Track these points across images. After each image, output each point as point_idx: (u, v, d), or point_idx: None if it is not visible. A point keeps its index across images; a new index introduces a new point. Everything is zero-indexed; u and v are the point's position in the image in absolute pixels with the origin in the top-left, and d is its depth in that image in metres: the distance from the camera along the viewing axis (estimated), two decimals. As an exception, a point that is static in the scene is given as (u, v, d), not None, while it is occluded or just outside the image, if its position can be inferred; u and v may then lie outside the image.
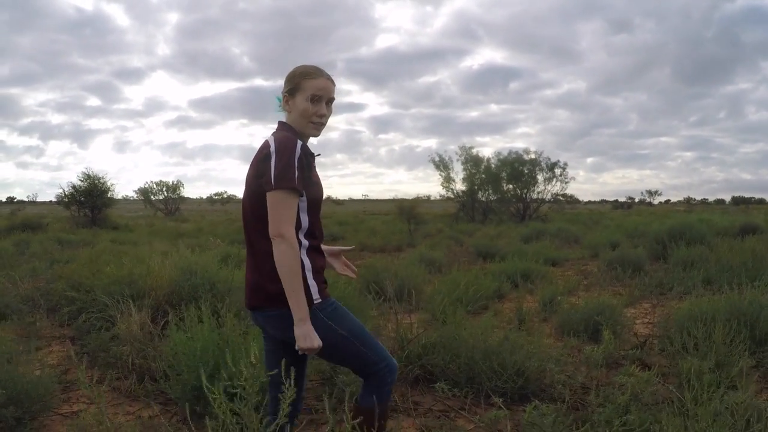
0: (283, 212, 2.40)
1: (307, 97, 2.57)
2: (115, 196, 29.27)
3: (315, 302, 2.52)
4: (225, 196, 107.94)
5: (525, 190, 32.59)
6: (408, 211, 23.53)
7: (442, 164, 33.09)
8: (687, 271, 10.34)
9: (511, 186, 32.90)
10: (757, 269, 9.74)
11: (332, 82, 2.67)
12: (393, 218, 28.58)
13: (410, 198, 26.74)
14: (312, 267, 2.56)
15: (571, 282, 10.30)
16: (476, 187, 32.38)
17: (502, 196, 32.97)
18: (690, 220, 15.62)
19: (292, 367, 2.27)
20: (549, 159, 32.36)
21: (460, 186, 32.90)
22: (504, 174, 32.49)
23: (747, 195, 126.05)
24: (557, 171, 32.41)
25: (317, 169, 2.66)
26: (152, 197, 47.71)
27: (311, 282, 2.53)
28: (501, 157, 32.85)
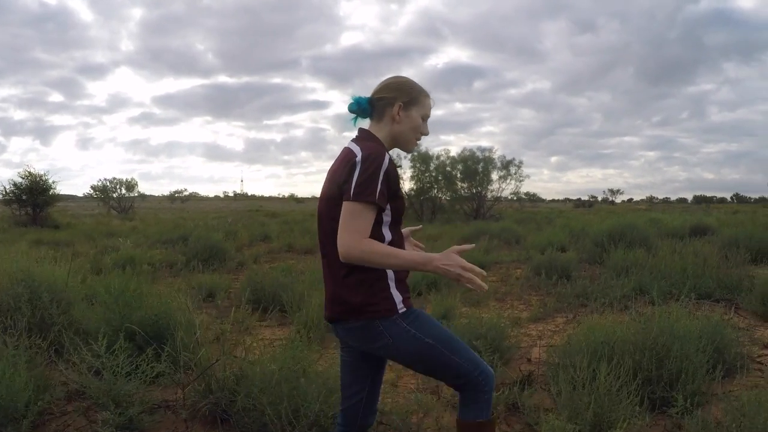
0: (355, 223, 2.35)
1: (423, 114, 2.65)
2: (57, 194, 28.74)
3: (399, 311, 2.51)
4: (185, 194, 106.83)
5: (479, 189, 31.40)
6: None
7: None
8: (619, 278, 8.97)
9: (465, 184, 31.67)
10: (697, 277, 8.42)
11: None
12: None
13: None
14: (395, 277, 2.55)
15: (487, 291, 8.82)
16: (426, 186, 31.06)
17: (455, 195, 31.82)
18: (632, 220, 14.27)
19: (368, 378, 2.68)
20: (504, 157, 31.42)
21: (408, 185, 31.47)
22: (457, 172, 31.36)
23: (709, 194, 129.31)
24: (512, 169, 31.37)
25: None
26: (112, 195, 46.20)
27: (395, 292, 2.53)
28: (450, 154, 31.75)
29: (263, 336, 6.67)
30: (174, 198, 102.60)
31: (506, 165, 31.51)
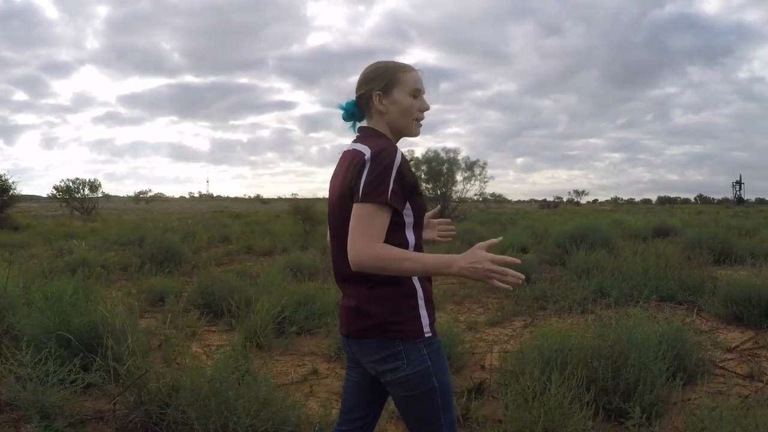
0: (365, 227, 2.12)
1: (409, 91, 2.38)
2: (18, 194, 27.75)
3: (425, 335, 2.25)
4: (149, 195, 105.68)
5: (444, 190, 31.17)
6: (303, 211, 21.57)
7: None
8: (580, 280, 8.75)
9: (430, 185, 31.42)
10: (659, 279, 8.22)
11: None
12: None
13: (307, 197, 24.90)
14: (424, 294, 2.29)
15: (444, 294, 8.58)
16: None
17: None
18: (594, 222, 14.10)
19: (371, 405, 2.46)
20: (468, 158, 31.24)
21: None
22: (422, 173, 31.10)
23: (672, 195, 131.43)
24: (476, 170, 31.18)
25: None
26: (76, 195, 45.26)
27: (423, 312, 2.26)
28: (415, 155, 31.54)
29: (209, 342, 6.34)
30: (139, 199, 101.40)
31: (470, 166, 31.29)
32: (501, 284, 2.08)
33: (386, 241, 2.15)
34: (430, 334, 2.27)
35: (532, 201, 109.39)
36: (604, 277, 8.78)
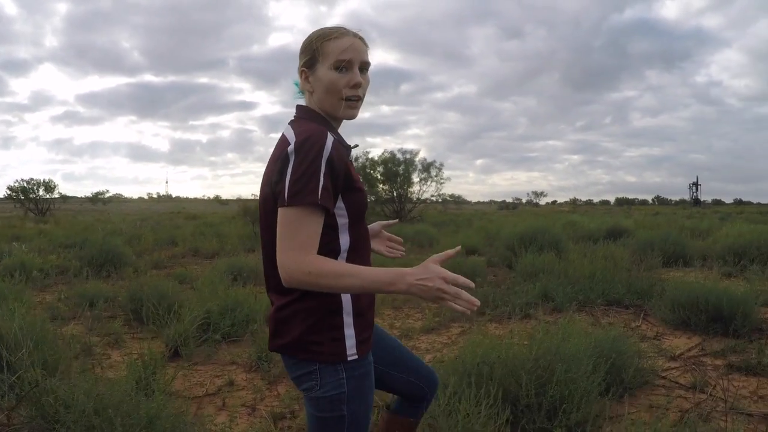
0: (292, 235, 1.77)
1: (331, 64, 1.93)
2: None
3: (349, 358, 1.93)
4: (107, 195, 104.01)
5: (400, 191, 30.89)
6: (253, 212, 21.06)
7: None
8: (525, 284, 8.41)
9: (386, 187, 31.12)
10: (606, 282, 7.90)
11: (363, 42, 2.00)
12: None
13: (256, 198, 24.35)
14: (354, 309, 1.95)
15: (384, 299, 8.17)
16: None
17: (377, 197, 31.23)
18: (545, 223, 13.81)
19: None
20: (425, 159, 31.00)
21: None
22: (378, 174, 30.79)
23: (630, 196, 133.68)
24: (433, 171, 30.96)
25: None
26: (31, 196, 44.43)
27: (348, 331, 1.94)
28: (370, 156, 31.23)
29: (131, 350, 5.89)
30: (96, 200, 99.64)
31: (427, 167, 31.05)
32: (455, 306, 1.75)
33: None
34: (355, 357, 1.97)
35: (492, 202, 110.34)
36: (549, 280, 8.43)
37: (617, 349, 4.46)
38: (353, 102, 2.01)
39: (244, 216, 22.04)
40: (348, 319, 1.95)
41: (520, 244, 11.39)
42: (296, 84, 2.13)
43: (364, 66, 2.03)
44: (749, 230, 12.54)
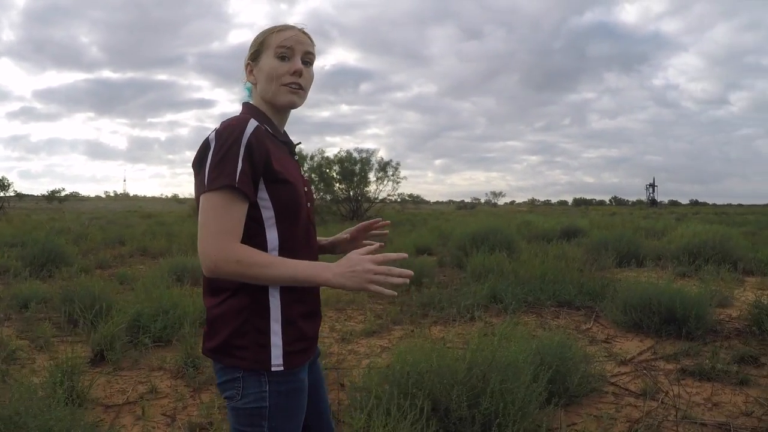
0: (212, 221, 1.68)
1: (274, 52, 1.90)
2: None
3: (273, 368, 1.77)
4: (63, 194, 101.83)
5: (357, 190, 30.55)
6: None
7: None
8: (474, 285, 8.09)
9: (343, 186, 30.77)
10: (558, 282, 7.60)
11: (308, 37, 1.96)
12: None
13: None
14: (282, 316, 1.80)
15: (327, 300, 7.79)
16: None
17: (333, 196, 30.86)
18: (497, 223, 13.55)
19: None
20: (382, 158, 30.69)
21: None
22: (333, 173, 30.42)
23: (588, 197, 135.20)
24: (389, 170, 30.66)
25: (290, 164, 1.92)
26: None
27: (275, 339, 1.78)
28: (325, 155, 30.86)
29: (58, 354, 5.45)
30: (52, 198, 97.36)
31: (383, 166, 30.74)
32: (384, 290, 1.66)
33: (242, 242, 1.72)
34: (280, 369, 1.81)
35: (451, 202, 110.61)
36: (498, 281, 8.11)
37: (561, 355, 4.11)
38: (294, 88, 1.93)
39: (194, 215, 21.29)
40: (276, 326, 1.81)
41: (471, 244, 11.09)
42: (247, 88, 2.07)
43: (308, 58, 1.98)
44: (704, 230, 12.39)
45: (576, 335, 6.36)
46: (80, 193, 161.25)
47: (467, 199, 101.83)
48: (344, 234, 2.27)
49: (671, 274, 10.42)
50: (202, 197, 1.72)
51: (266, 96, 1.94)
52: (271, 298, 1.81)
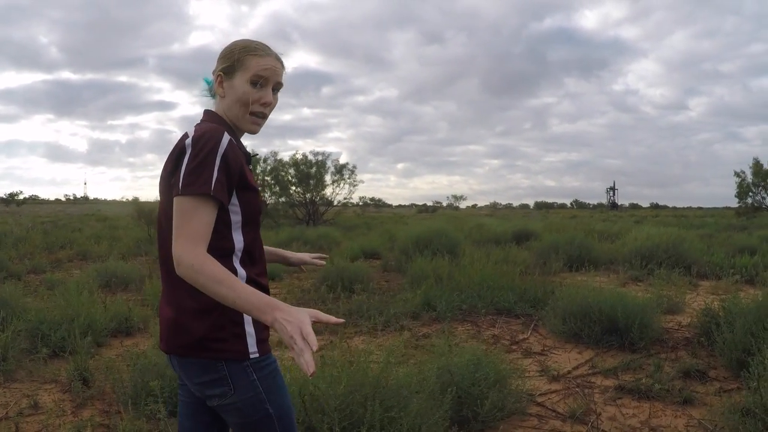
0: (186, 225, 1.77)
1: (249, 77, 1.99)
2: None
3: (250, 356, 1.86)
4: (21, 197, 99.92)
5: (313, 193, 29.89)
6: (147, 214, 19.77)
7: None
8: (407, 292, 7.48)
9: (299, 189, 30.09)
10: (496, 288, 7.03)
11: (282, 64, 2.08)
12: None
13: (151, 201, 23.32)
14: None
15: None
16: (256, 189, 29.37)
17: (289, 200, 30.15)
18: (442, 226, 12.96)
19: (211, 427, 2.05)
20: (338, 161, 30.11)
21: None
22: (289, 176, 29.72)
23: (550, 200, 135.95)
24: (346, 173, 30.02)
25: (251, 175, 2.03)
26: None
27: (248, 329, 1.88)
28: (278, 157, 30.18)
29: None
30: (9, 201, 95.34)
31: (340, 169, 30.07)
32: (296, 357, 1.56)
33: (210, 243, 1.79)
34: (257, 355, 1.88)
35: (413, 205, 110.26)
36: (433, 287, 7.53)
37: (472, 376, 3.52)
38: (258, 118, 2.04)
39: (138, 218, 20.66)
40: (247, 317, 1.87)
41: (414, 248, 10.51)
42: (207, 81, 2.13)
43: (277, 87, 2.07)
44: (657, 233, 11.91)
45: (508, 347, 5.80)
46: (40, 196, 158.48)
47: (429, 203, 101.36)
48: (293, 258, 2.48)
49: (622, 278, 9.96)
50: (176, 199, 1.79)
51: (230, 115, 2.01)
52: None
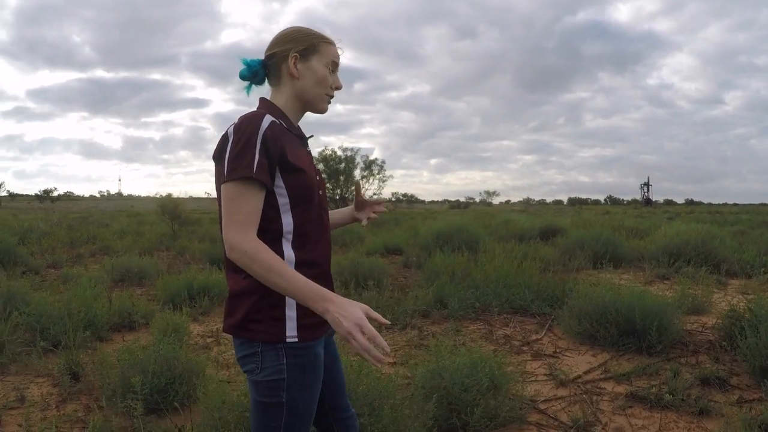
0: (234, 211, 1.81)
1: (327, 62, 2.10)
2: None
3: (287, 340, 1.86)
4: (55, 193, 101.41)
5: (342, 188, 29.81)
6: (171, 210, 19.74)
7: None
8: (421, 288, 7.25)
9: (329, 185, 29.97)
10: (512, 286, 6.76)
11: None
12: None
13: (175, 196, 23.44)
14: None
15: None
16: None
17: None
18: (464, 221, 12.66)
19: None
20: (367, 156, 29.99)
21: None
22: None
23: (583, 196, 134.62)
24: (374, 169, 29.85)
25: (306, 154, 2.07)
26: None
27: (290, 312, 1.88)
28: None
29: None
30: (44, 197, 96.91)
31: (369, 164, 29.92)
32: (361, 352, 1.66)
33: (259, 226, 1.85)
34: (295, 340, 1.87)
35: (445, 201, 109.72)
36: (446, 284, 7.26)
37: (462, 382, 3.25)
38: (329, 99, 2.13)
39: (162, 214, 20.67)
40: (290, 300, 1.87)
41: (435, 244, 10.24)
42: (248, 62, 2.11)
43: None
44: (686, 230, 11.48)
45: (519, 347, 5.53)
46: (74, 192, 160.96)
47: (462, 199, 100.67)
48: (349, 207, 2.55)
49: (648, 276, 9.59)
50: (223, 186, 1.84)
51: (307, 94, 2.07)
52: None
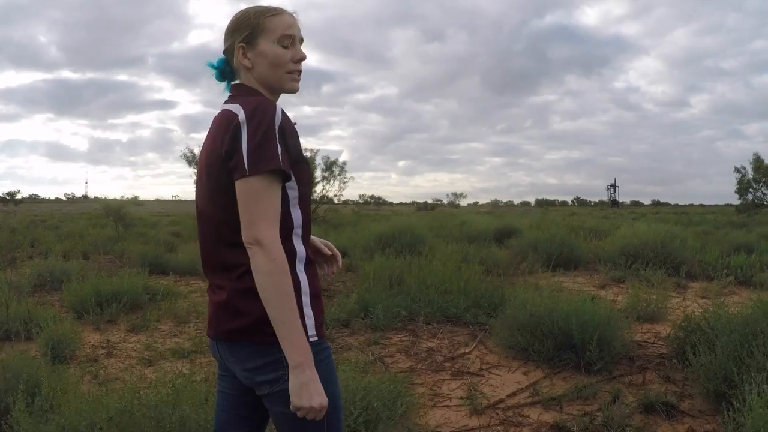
0: (262, 207, 1.67)
1: (276, 39, 1.89)
2: None
3: (310, 339, 1.73)
4: (19, 196, 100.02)
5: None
6: (115, 212, 19.06)
7: (195, 161, 28.73)
8: (342, 296, 6.52)
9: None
10: (448, 293, 6.02)
11: (297, 19, 2.00)
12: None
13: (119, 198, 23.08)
14: (310, 289, 1.80)
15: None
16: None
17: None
18: (410, 223, 11.97)
19: (248, 421, 1.92)
20: (328, 157, 29.14)
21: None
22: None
23: (551, 198, 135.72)
24: (335, 170, 29.00)
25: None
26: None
27: (307, 311, 1.77)
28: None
29: None
30: (7, 200, 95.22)
31: (329, 166, 29.04)
32: (298, 413, 1.63)
33: None
34: (315, 338, 1.75)
35: (413, 203, 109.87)
36: (369, 290, 6.52)
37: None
38: (296, 75, 1.93)
39: (106, 216, 20.03)
40: (306, 299, 1.76)
41: (376, 246, 9.50)
42: (212, 65, 1.99)
43: (300, 42, 1.97)
44: (646, 230, 10.84)
45: (440, 364, 4.78)
46: (40, 195, 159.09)
47: (430, 201, 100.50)
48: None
49: (603, 279, 8.94)
50: (241, 182, 1.68)
51: (268, 81, 1.90)
52: (299, 273, 1.77)
